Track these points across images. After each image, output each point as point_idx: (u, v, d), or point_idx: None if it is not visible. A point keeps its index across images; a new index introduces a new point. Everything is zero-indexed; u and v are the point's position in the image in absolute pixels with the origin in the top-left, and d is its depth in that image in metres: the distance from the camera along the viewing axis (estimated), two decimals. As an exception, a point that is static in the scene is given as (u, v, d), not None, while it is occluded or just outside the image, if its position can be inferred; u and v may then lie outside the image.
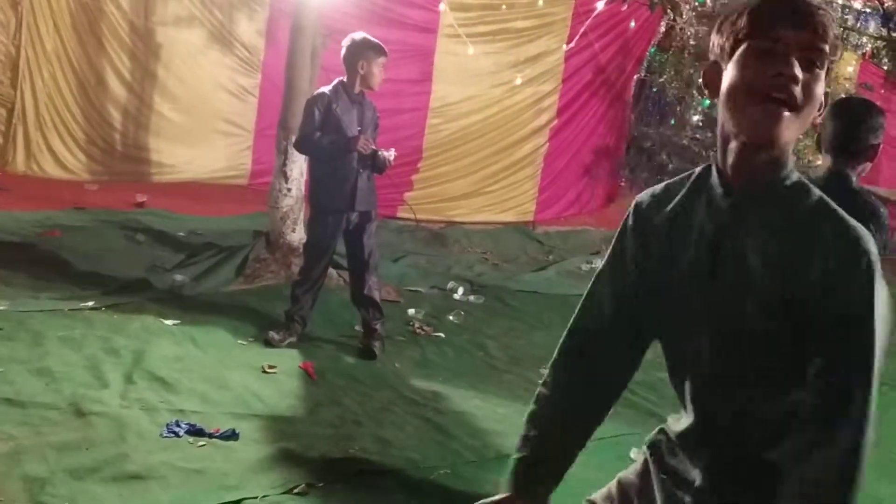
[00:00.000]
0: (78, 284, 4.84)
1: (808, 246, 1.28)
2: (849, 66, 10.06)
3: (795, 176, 1.36)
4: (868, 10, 10.39)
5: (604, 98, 8.74)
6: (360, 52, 4.20)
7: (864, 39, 10.84)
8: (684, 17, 7.86)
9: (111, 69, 6.65)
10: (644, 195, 1.54)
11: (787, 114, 1.27)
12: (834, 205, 1.33)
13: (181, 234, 6.30)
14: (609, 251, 1.60)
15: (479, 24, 7.57)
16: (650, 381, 4.52)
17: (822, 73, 1.31)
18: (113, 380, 3.62)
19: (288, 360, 4.17)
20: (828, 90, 1.33)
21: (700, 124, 9.14)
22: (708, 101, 8.29)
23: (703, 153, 9.01)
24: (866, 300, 1.23)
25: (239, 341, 4.36)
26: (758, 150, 1.31)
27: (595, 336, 1.55)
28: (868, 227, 2.83)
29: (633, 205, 1.55)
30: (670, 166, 9.02)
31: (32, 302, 4.44)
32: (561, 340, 1.58)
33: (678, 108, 9.51)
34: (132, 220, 6.39)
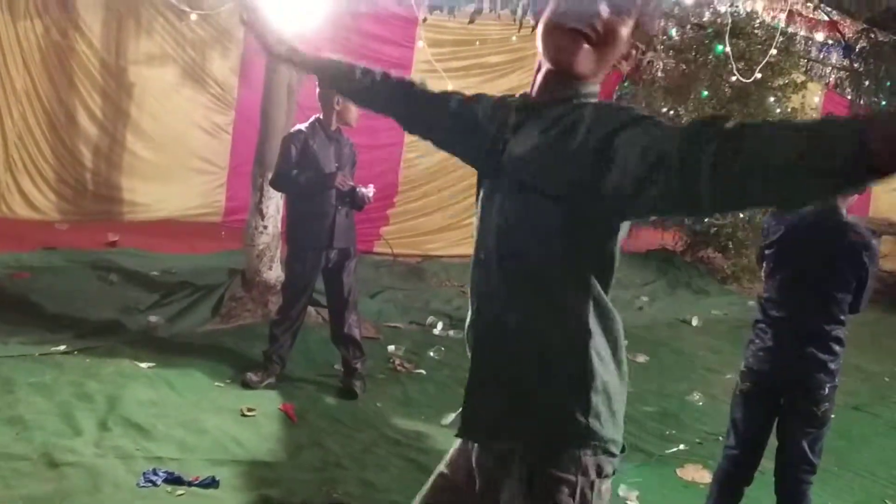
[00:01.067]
0: (48, 328, 4.72)
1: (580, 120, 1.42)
2: (815, 97, 10.26)
3: (592, 99, 1.50)
4: (830, 42, 10.62)
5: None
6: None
7: (828, 70, 11.07)
8: (656, 50, 7.96)
9: (82, 108, 6.57)
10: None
11: (585, 46, 1.44)
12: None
13: (155, 273, 6.19)
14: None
15: (452, 59, 7.62)
16: (637, 416, 4.50)
17: (630, 21, 1.46)
18: (86, 427, 3.51)
19: (267, 402, 4.08)
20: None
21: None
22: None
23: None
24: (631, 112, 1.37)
25: (216, 383, 4.26)
26: (557, 75, 1.48)
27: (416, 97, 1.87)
28: (862, 259, 2.84)
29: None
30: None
31: (1, 347, 4.31)
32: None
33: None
34: (104, 260, 6.27)
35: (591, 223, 1.42)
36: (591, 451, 1.49)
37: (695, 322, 7.23)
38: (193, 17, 5.90)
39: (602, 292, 1.48)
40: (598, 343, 1.48)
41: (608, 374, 1.51)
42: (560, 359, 1.47)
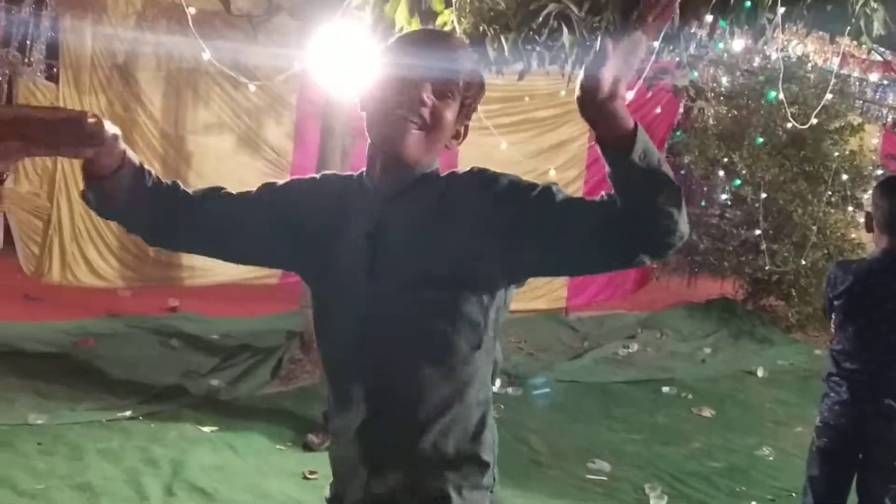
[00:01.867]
0: (114, 393, 4.80)
1: (458, 199, 1.44)
2: (873, 139, 10.05)
3: (430, 171, 1.50)
4: (886, 82, 10.46)
5: (629, 181, 8.75)
6: None
7: (885, 111, 10.88)
8: (706, 98, 7.93)
9: (144, 177, 6.79)
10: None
11: (415, 131, 1.43)
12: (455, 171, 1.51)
13: (215, 336, 6.29)
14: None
15: (501, 115, 7.68)
16: (704, 472, 4.37)
17: (455, 104, 1.47)
18: (153, 493, 3.54)
19: (328, 465, 4.06)
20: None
21: (729, 203, 9.11)
22: (739, 181, 8.27)
23: (734, 231, 8.95)
24: (507, 177, 1.44)
25: (277, 446, 4.27)
26: (394, 159, 1.45)
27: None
28: None
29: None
30: (701, 246, 8.95)
31: (70, 414, 4.40)
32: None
33: (705, 188, 9.51)
34: (166, 326, 6.40)
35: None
36: None
37: (760, 373, 7.02)
38: (251, 87, 6.08)
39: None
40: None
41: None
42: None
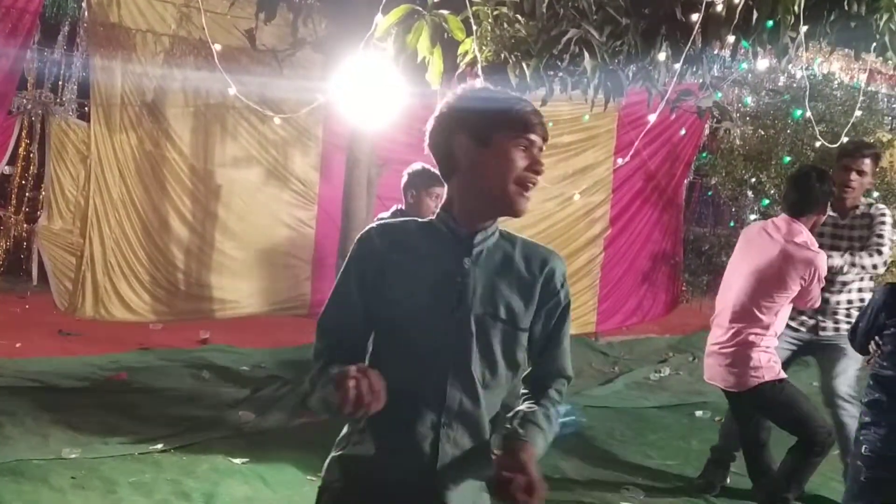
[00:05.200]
0: (146, 426, 4.83)
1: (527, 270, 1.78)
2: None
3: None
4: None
5: (656, 204, 8.72)
6: (410, 182, 4.20)
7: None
8: (732, 118, 7.89)
9: (174, 212, 6.88)
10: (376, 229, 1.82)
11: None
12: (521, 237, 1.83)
13: (245, 368, 6.32)
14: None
15: (525, 141, 7.71)
16: (739, 496, 4.28)
17: None
18: (185, 526, 3.54)
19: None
20: None
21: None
22: (767, 201, 8.19)
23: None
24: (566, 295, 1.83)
25: (308, 477, 4.26)
26: (504, 216, 1.74)
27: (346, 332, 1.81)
28: None
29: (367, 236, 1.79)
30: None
31: (103, 447, 4.43)
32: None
33: (734, 209, 9.42)
34: (197, 358, 6.44)
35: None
36: None
37: (796, 395, 6.89)
38: (277, 120, 6.15)
39: None
40: None
41: None
42: None
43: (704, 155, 9.01)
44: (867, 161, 4.28)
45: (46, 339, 6.65)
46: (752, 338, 3.80)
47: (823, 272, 3.78)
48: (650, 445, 5.30)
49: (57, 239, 6.57)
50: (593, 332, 8.38)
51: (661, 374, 7.16)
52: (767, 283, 3.78)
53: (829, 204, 3.93)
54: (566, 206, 8.08)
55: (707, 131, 9.03)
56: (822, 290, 3.94)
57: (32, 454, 4.22)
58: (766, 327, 3.80)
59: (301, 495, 4.01)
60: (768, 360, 3.81)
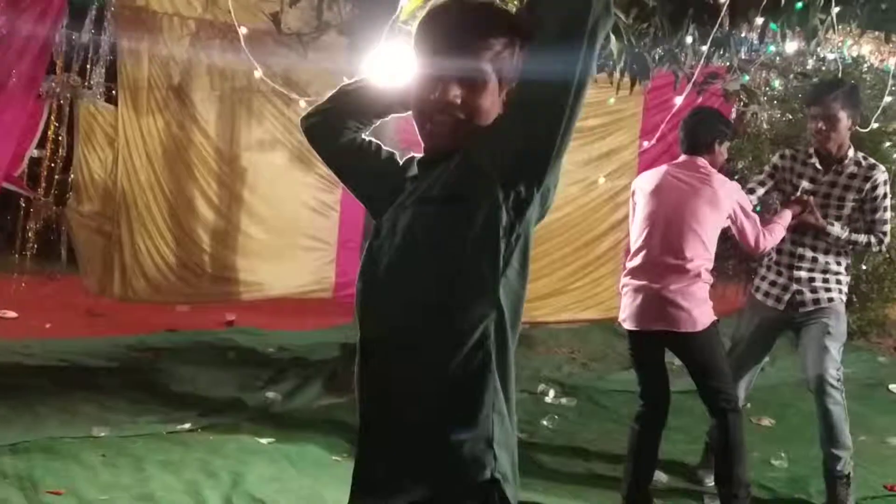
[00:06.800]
0: (174, 406, 4.90)
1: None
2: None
3: None
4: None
5: (681, 188, 8.65)
6: None
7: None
8: (759, 102, 7.80)
9: (200, 195, 6.93)
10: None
11: (451, 127, 1.55)
12: None
13: (271, 349, 6.39)
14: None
15: (551, 125, 7.67)
16: (764, 482, 4.28)
17: (489, 85, 1.53)
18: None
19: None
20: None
21: (784, 207, 8.90)
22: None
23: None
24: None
25: (334, 457, 4.31)
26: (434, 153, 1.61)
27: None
28: None
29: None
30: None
31: (132, 426, 4.51)
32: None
33: (760, 193, 9.32)
34: (223, 340, 6.52)
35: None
36: None
37: (821, 381, 6.84)
38: (303, 104, 6.17)
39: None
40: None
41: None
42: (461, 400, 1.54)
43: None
44: (833, 105, 3.79)
45: (76, 319, 6.75)
46: (702, 272, 3.66)
47: (746, 203, 3.72)
48: (673, 430, 5.25)
49: (86, 221, 6.65)
50: (616, 318, 8.35)
51: (684, 360, 7.13)
52: (703, 211, 3.65)
53: (725, 137, 3.85)
54: (590, 191, 8.03)
55: (734, 115, 8.92)
56: (797, 255, 3.89)
57: (63, 432, 4.30)
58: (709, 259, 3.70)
59: (327, 474, 4.07)
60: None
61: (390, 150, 1.85)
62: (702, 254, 3.64)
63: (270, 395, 5.20)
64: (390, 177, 1.74)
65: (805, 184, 3.99)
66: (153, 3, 6.41)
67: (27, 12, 5.48)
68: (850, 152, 3.95)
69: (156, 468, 3.97)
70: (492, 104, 1.55)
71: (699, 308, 3.63)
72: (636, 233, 3.84)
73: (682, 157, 3.83)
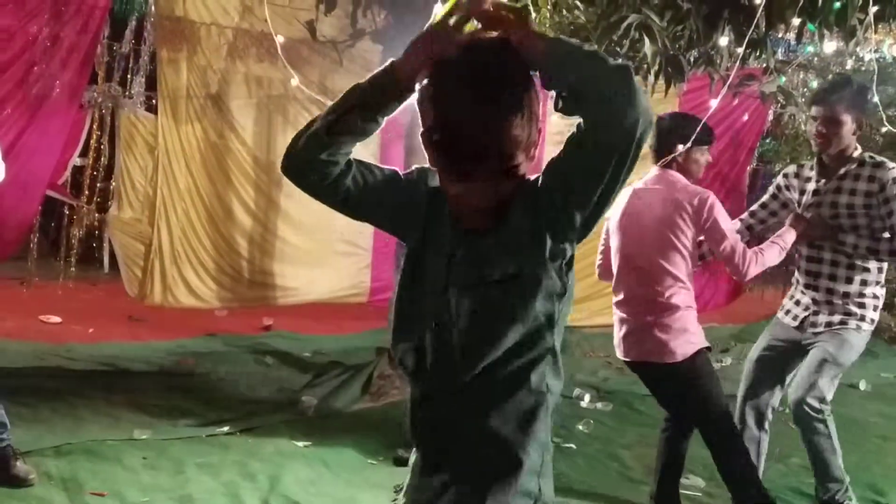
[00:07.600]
0: (213, 410, 4.98)
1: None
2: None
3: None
4: None
5: (718, 191, 8.51)
6: None
7: None
8: (797, 104, 7.71)
9: (238, 201, 7.02)
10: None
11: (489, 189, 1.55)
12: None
13: (307, 354, 6.45)
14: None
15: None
16: (803, 489, 4.22)
17: (523, 142, 1.53)
18: (251, 506, 3.65)
19: (419, 479, 4.10)
20: None
21: (823, 210, 8.77)
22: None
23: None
24: None
25: (369, 461, 4.35)
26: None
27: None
28: None
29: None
30: (796, 255, 8.65)
31: (172, 429, 4.59)
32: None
33: (798, 196, 9.20)
34: (260, 344, 6.61)
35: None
36: None
37: (863, 386, 6.74)
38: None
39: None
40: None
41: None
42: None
43: (768, 141, 8.81)
44: (837, 107, 3.56)
45: (117, 324, 6.89)
46: (677, 302, 3.50)
47: (718, 210, 3.46)
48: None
49: (127, 228, 6.77)
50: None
51: (723, 364, 7.05)
52: (668, 235, 3.51)
53: (688, 140, 3.58)
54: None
55: (771, 117, 8.81)
56: (813, 273, 3.73)
57: (105, 435, 4.39)
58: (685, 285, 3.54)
59: (363, 477, 4.10)
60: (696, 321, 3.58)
61: (390, 170, 1.80)
62: (671, 284, 3.49)
63: (307, 398, 5.25)
64: (408, 209, 1.74)
65: (806, 197, 3.79)
66: (191, 12, 6.51)
67: (69, 24, 5.61)
68: (856, 154, 3.68)
69: (195, 470, 4.03)
70: (526, 156, 1.58)
71: (677, 339, 3.46)
72: (615, 264, 3.75)
73: (653, 169, 3.68)
